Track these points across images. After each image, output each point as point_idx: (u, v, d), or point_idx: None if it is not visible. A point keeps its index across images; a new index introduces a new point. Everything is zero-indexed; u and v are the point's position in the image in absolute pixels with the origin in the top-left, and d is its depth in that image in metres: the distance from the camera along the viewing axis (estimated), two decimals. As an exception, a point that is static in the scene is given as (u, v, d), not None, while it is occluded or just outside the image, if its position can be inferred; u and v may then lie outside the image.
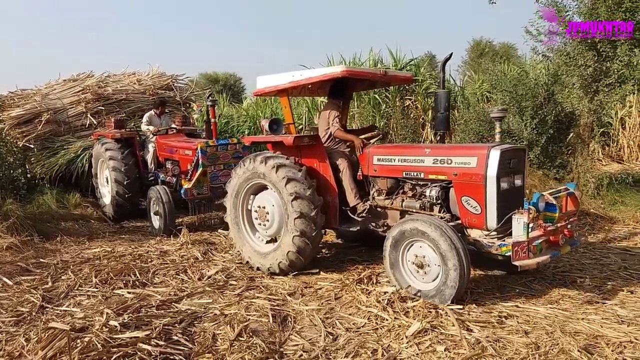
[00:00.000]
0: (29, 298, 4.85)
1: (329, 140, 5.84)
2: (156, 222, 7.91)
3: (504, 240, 4.31)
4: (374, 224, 5.43)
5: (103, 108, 10.68)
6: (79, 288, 5.19)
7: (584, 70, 8.22)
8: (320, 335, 3.89)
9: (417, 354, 3.48)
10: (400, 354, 3.52)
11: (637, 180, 9.45)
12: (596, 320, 3.98)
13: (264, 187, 5.68)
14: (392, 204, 5.27)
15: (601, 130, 15.60)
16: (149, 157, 8.99)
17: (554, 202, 4.35)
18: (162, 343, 3.66)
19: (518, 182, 4.67)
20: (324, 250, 6.49)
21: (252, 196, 5.79)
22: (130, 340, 3.63)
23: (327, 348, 3.67)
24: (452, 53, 5.49)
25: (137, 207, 9.06)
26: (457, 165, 4.63)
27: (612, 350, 3.46)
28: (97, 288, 5.15)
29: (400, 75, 6.47)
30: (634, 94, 14.27)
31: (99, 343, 3.52)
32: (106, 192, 9.20)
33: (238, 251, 5.94)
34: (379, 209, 5.45)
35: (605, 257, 5.83)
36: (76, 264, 6.04)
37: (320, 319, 4.22)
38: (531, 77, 9.78)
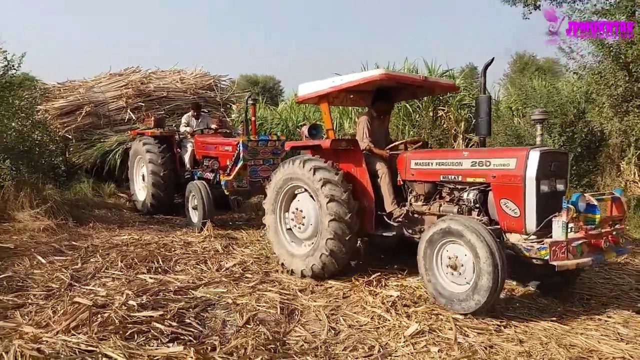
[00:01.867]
0: (59, 276, 5.22)
1: None
2: (194, 216, 8.10)
3: (543, 244, 4.16)
4: (410, 231, 5.35)
5: (143, 104, 11.10)
6: (105, 270, 5.53)
7: (614, 90, 8.17)
8: (324, 330, 4.08)
9: (412, 353, 3.64)
10: (396, 351, 3.69)
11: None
12: (595, 336, 4.04)
13: (302, 190, 5.71)
14: (429, 209, 5.22)
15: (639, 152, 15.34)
16: (187, 156, 9.24)
17: (595, 203, 4.19)
18: (175, 324, 3.93)
19: (560, 186, 4.53)
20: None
21: (290, 197, 5.85)
22: (145, 319, 3.92)
23: (327, 341, 3.86)
24: (493, 58, 5.43)
25: (171, 204, 9.35)
26: (496, 167, 4.56)
27: (604, 365, 3.54)
28: (121, 271, 5.49)
29: (443, 83, 6.37)
30: None
31: (116, 319, 3.83)
32: (140, 188, 9.48)
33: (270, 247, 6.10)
34: (415, 215, 5.39)
35: (619, 277, 5.82)
36: (105, 248, 6.42)
37: (326, 314, 4.40)
38: (563, 94, 9.75)
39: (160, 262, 5.83)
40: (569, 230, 4.00)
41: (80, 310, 3.95)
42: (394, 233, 5.36)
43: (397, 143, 5.77)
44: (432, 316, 4.29)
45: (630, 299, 5.04)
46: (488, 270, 4.01)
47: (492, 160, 4.61)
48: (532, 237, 4.33)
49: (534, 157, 4.29)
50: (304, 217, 5.62)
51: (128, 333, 3.65)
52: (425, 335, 3.90)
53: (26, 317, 4.10)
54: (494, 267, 4.00)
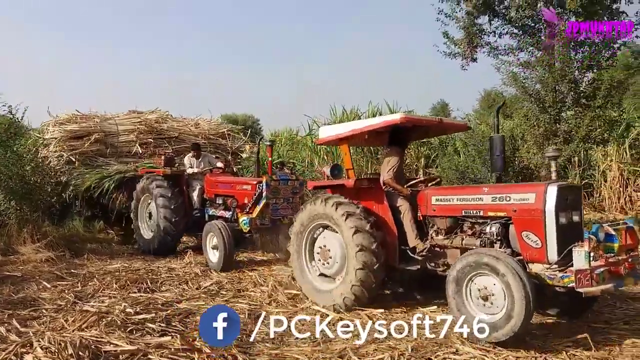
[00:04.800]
0: (64, 296, 6.26)
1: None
2: (213, 256, 8.15)
3: (566, 272, 4.40)
4: (433, 264, 5.58)
5: (152, 141, 11.47)
6: (103, 291, 6.57)
7: (536, 130, 9.64)
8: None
9: (345, 339, 4.79)
10: (335, 339, 4.83)
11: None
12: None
13: (326, 228, 6.02)
14: (451, 242, 5.43)
15: (584, 181, 16.93)
16: (195, 195, 9.58)
17: (613, 233, 4.48)
18: (163, 325, 5.03)
19: (576, 217, 4.82)
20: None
21: (315, 235, 6.16)
22: (140, 321, 5.03)
23: (283, 334, 4.99)
24: (504, 101, 6.00)
25: (178, 243, 9.75)
26: (516, 202, 4.83)
27: None
28: (116, 291, 6.54)
29: (456, 124, 7.02)
30: (616, 147, 15.74)
31: (118, 321, 4.91)
32: (146, 227, 9.74)
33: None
34: (437, 249, 5.60)
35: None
36: (100, 274, 7.47)
37: (286, 317, 5.50)
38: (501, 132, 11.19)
39: (149, 284, 6.89)
40: (590, 259, 4.27)
41: (88, 316, 5.04)
42: (418, 266, 5.63)
43: (416, 181, 6.19)
44: (365, 315, 5.44)
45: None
46: (520, 297, 4.22)
47: (512, 195, 4.90)
48: (554, 266, 4.57)
49: (552, 191, 4.58)
50: (329, 254, 5.92)
51: (128, 330, 4.75)
52: (355, 326, 5.05)
53: (43, 325, 5.14)
54: (525, 295, 4.22)
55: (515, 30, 10.57)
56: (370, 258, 5.46)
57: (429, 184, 6.11)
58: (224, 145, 12.56)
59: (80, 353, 3.86)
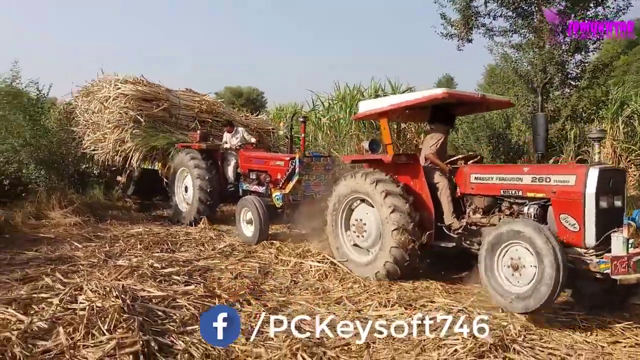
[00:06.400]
0: (96, 255, 7.06)
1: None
2: (247, 230, 8.40)
3: (603, 258, 4.28)
4: (468, 242, 5.60)
5: (210, 120, 12.34)
6: (129, 251, 7.38)
7: (525, 109, 10.31)
8: (287, 281, 6.05)
9: (342, 289, 5.66)
10: (333, 290, 5.69)
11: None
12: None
13: (363, 201, 6.18)
14: (489, 222, 5.40)
15: (578, 157, 17.65)
16: (230, 169, 9.96)
17: None
18: (186, 277, 5.87)
19: (618, 202, 4.64)
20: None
21: (352, 207, 6.36)
22: (167, 274, 5.87)
23: (289, 286, 5.84)
24: (549, 77, 6.06)
25: (214, 214, 10.05)
26: (556, 183, 4.72)
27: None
28: (141, 251, 7.35)
29: (500, 100, 6.84)
30: (610, 124, 16.39)
31: (148, 273, 5.76)
32: (182, 200, 10.21)
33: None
34: (473, 227, 5.58)
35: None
36: (125, 237, 8.29)
37: (290, 273, 6.37)
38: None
39: (169, 245, 7.74)
40: (629, 245, 4.18)
41: (122, 269, 5.88)
42: (453, 244, 5.64)
43: (456, 158, 6.12)
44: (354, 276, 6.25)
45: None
46: (550, 273, 4.15)
47: (553, 176, 4.80)
48: (591, 251, 4.47)
49: (594, 174, 4.45)
50: (365, 228, 6.11)
51: (157, 280, 5.59)
52: (352, 280, 5.91)
53: (82, 277, 5.96)
54: (556, 271, 4.16)
55: (510, 13, 11.12)
56: (406, 238, 5.58)
57: (469, 162, 6.02)
58: (266, 141, 13.31)
59: (122, 296, 4.68)
